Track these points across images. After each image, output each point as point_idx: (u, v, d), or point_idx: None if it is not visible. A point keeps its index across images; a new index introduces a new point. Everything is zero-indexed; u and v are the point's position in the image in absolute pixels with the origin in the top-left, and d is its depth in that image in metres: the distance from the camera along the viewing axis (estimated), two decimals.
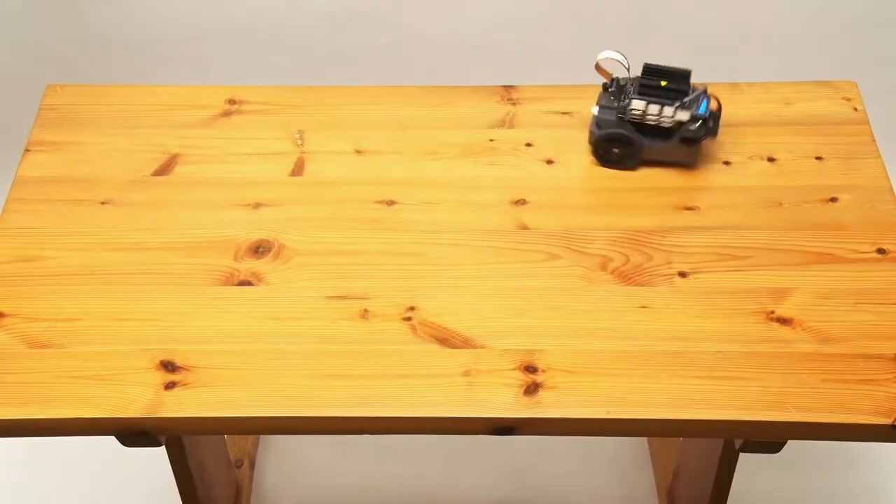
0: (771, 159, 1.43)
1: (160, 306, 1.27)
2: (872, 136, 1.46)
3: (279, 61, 2.21)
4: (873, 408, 1.16)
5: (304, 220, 1.36)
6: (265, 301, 1.27)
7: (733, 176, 1.41)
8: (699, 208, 1.37)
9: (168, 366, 1.21)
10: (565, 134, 1.47)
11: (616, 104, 1.40)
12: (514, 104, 1.51)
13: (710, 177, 1.41)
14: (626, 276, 1.29)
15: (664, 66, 1.40)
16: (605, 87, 1.42)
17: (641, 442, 1.83)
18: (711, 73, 2.05)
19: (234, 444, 1.77)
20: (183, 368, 1.21)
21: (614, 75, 1.42)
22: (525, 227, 1.35)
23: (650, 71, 1.40)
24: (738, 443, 1.31)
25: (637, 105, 1.38)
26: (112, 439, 1.23)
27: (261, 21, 2.18)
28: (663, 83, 1.39)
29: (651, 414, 1.16)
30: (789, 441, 1.24)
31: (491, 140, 1.46)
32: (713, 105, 1.41)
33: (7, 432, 1.20)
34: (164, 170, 1.43)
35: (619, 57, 1.40)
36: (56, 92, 1.53)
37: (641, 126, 1.39)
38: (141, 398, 1.18)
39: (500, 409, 1.17)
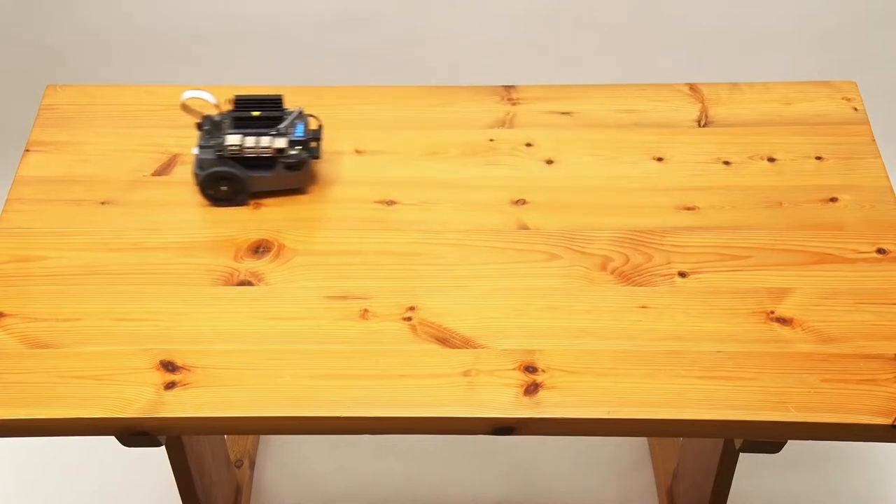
0: (771, 159, 1.43)
1: (160, 306, 1.27)
2: (872, 136, 1.46)
3: (279, 61, 2.21)
4: (873, 408, 1.16)
5: (304, 220, 1.36)
6: (265, 301, 1.27)
7: (733, 176, 1.41)
8: (699, 208, 1.37)
9: (168, 366, 1.21)
10: (565, 134, 1.47)
11: (213, 142, 1.36)
12: (514, 104, 1.51)
13: (710, 177, 1.41)
14: (626, 276, 1.29)
15: (255, 96, 1.38)
16: (199, 127, 1.38)
17: (641, 442, 1.83)
18: (711, 73, 2.06)
19: (234, 444, 1.77)
20: (183, 368, 1.21)
21: (205, 113, 1.39)
22: (525, 227, 1.35)
23: (242, 102, 1.38)
24: (738, 443, 1.31)
25: (232, 140, 1.35)
26: (112, 439, 1.23)
27: (261, 21, 2.18)
28: (256, 113, 1.36)
29: (651, 414, 1.16)
30: (789, 441, 1.24)
31: (491, 140, 1.46)
32: (313, 125, 1.39)
33: (7, 432, 1.20)
34: (164, 170, 1.43)
35: (204, 95, 1.37)
36: (56, 92, 1.53)
37: (244, 160, 1.36)
38: (141, 398, 1.18)
39: (500, 409, 1.17)
